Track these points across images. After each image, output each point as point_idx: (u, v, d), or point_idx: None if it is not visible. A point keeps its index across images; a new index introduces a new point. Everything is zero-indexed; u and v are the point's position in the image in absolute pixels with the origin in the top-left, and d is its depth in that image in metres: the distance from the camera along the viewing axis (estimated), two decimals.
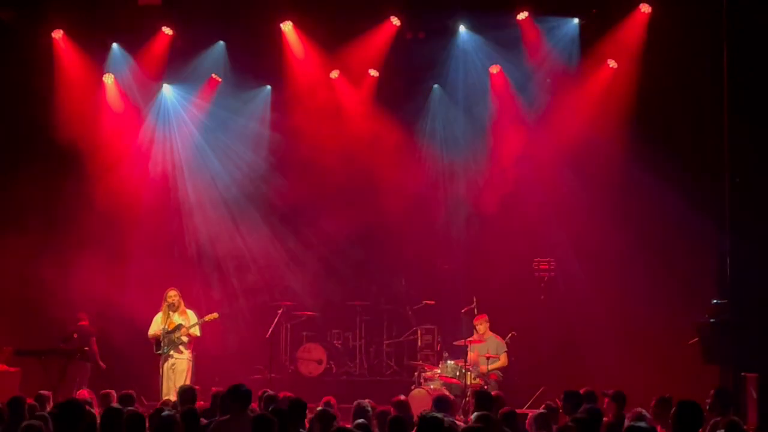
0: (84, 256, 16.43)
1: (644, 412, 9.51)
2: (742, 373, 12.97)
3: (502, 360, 14.90)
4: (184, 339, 14.17)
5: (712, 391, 9.84)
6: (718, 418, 9.12)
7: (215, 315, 14.43)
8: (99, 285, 16.29)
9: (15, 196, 16.41)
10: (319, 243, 17.18)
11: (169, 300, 14.31)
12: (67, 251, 16.51)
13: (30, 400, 10.22)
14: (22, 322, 16.52)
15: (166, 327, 14.20)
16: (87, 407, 10.07)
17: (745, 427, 9.04)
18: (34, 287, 16.29)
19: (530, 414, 9.85)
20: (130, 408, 9.22)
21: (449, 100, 17.56)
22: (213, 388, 10.99)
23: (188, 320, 14.23)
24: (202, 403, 10.79)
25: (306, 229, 17.33)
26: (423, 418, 7.47)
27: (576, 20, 16.42)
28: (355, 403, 9.88)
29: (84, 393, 11.80)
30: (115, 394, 11.28)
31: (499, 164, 17.10)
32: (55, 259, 16.41)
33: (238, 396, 9.10)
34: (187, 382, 13.48)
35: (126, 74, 17.43)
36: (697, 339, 13.83)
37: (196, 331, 14.21)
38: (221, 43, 17.33)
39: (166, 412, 8.50)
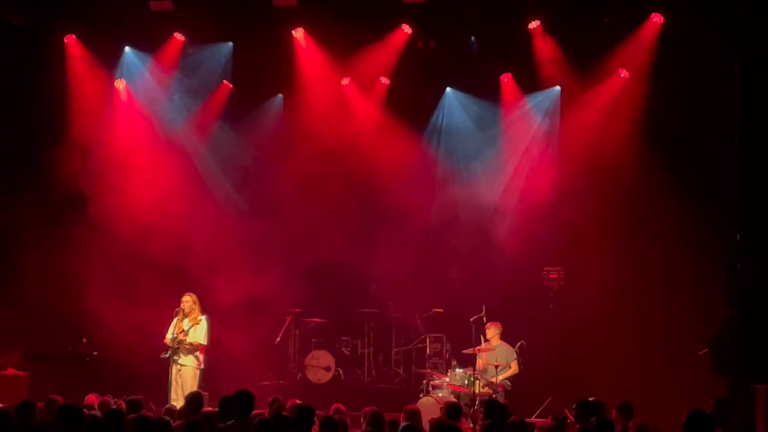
0: (94, 261, 16.49)
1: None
2: (752, 385, 12.93)
3: (513, 368, 14.87)
4: (186, 345, 14.14)
5: (711, 402, 9.80)
6: (719, 429, 9.08)
7: (200, 321, 14.28)
8: (107, 289, 16.36)
9: (26, 201, 16.43)
10: (328, 250, 17.15)
11: (182, 305, 14.31)
12: (77, 257, 16.54)
13: (40, 404, 10.25)
14: (31, 326, 16.55)
15: (176, 332, 14.22)
16: (91, 411, 10.14)
17: None
18: (43, 291, 16.33)
19: (538, 424, 9.83)
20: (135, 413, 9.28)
21: (461, 108, 17.56)
22: (222, 395, 11.02)
23: (196, 327, 14.22)
24: (210, 409, 10.79)
25: (315, 236, 17.29)
26: (439, 427, 7.43)
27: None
28: (370, 410, 9.83)
29: (92, 398, 11.80)
30: (110, 400, 11.39)
31: (510, 173, 17.11)
32: (65, 263, 16.46)
33: (241, 401, 9.09)
34: (194, 389, 13.48)
35: (137, 80, 17.50)
36: (706, 350, 13.79)
37: (198, 339, 14.15)
38: (230, 45, 17.37)
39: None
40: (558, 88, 16.88)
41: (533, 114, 17.14)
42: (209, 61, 17.49)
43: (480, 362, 14.62)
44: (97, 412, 9.82)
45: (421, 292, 17.32)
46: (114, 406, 10.71)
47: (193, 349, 14.12)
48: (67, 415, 8.43)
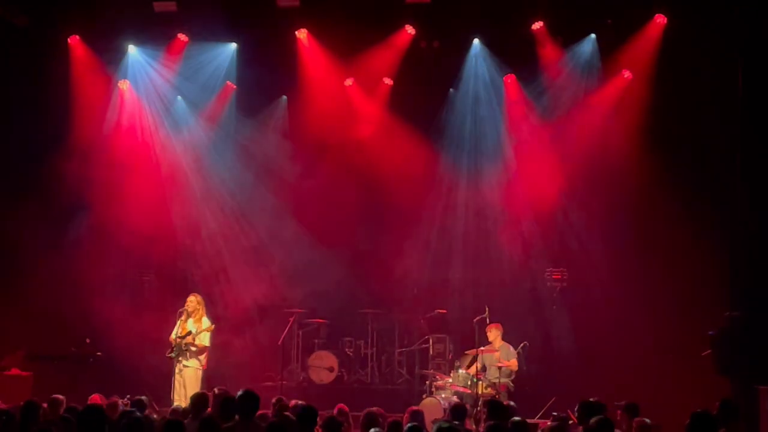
0: (98, 263, 16.51)
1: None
2: (755, 386, 12.93)
3: (512, 363, 14.80)
4: (192, 348, 14.15)
5: (716, 403, 9.81)
6: (723, 430, 9.08)
7: (212, 326, 14.35)
8: (111, 289, 16.37)
9: (29, 204, 16.44)
10: (331, 251, 17.16)
11: (186, 305, 14.34)
12: (81, 259, 16.56)
13: (43, 405, 10.27)
14: (35, 327, 16.56)
15: (179, 332, 14.23)
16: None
17: None
18: (47, 292, 16.35)
19: (541, 425, 9.83)
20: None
21: (464, 109, 17.56)
22: (215, 389, 11.04)
23: (200, 328, 14.22)
24: (209, 410, 10.79)
25: (319, 238, 17.31)
26: (442, 428, 7.43)
27: (593, 36, 16.42)
28: (365, 411, 9.87)
29: (96, 398, 11.81)
30: (118, 401, 11.41)
31: (514, 173, 17.10)
32: (69, 264, 16.48)
33: (247, 402, 9.09)
34: (196, 389, 13.49)
35: (141, 81, 17.49)
36: (709, 351, 13.79)
37: (202, 341, 14.16)
38: (233, 46, 17.38)
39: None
40: (561, 88, 16.87)
41: (537, 114, 17.12)
42: (214, 64, 17.47)
43: (478, 365, 14.60)
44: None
45: (424, 293, 17.32)
46: (122, 408, 10.75)
47: (198, 351, 14.14)
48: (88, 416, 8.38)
